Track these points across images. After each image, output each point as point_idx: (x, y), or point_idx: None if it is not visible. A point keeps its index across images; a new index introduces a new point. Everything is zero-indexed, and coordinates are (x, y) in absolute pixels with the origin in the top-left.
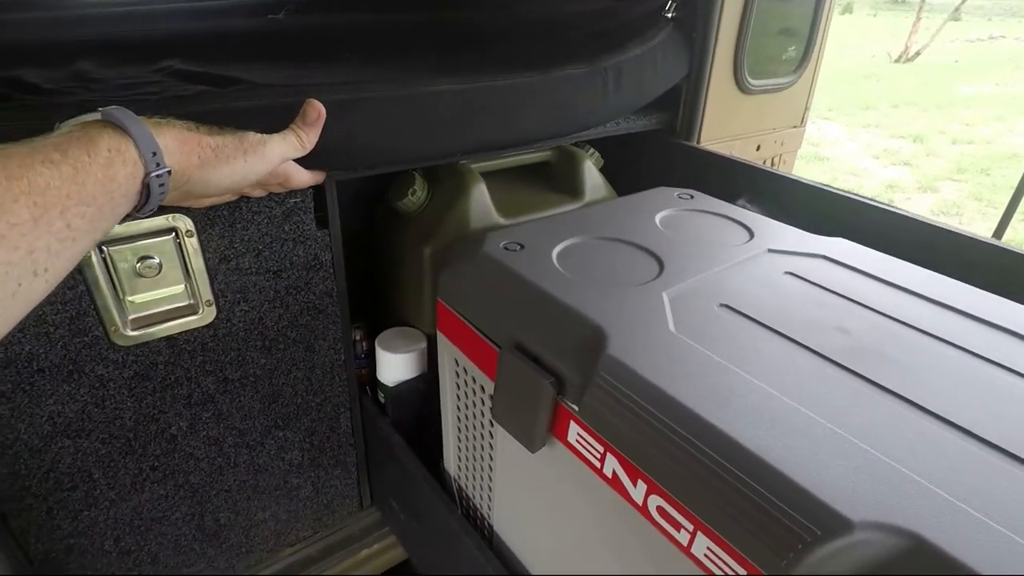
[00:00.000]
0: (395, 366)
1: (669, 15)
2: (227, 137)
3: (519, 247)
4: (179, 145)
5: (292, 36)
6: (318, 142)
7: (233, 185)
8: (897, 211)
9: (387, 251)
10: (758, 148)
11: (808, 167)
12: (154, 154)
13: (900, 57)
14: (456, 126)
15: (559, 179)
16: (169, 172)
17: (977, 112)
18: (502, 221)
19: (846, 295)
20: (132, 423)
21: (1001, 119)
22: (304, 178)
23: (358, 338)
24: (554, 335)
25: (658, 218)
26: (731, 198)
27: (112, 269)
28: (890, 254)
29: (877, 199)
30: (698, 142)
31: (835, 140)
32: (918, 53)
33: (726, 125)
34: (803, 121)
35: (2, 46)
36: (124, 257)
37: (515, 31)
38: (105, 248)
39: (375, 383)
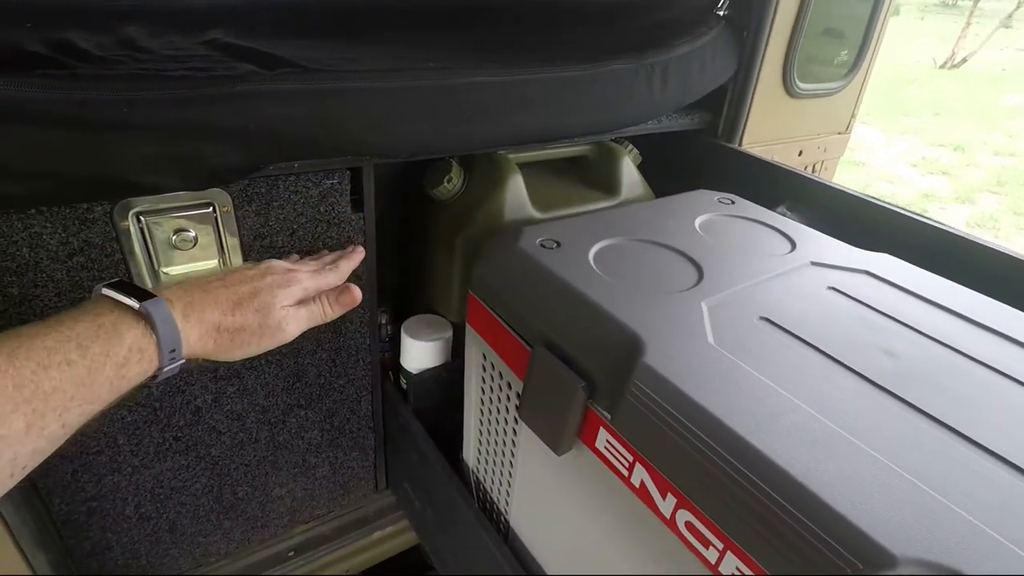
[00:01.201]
0: (419, 353)
1: (721, 12)
2: (248, 317)
3: (555, 245)
4: (200, 335)
5: (336, 11)
6: (360, 129)
7: (244, 357)
8: (940, 226)
9: (419, 237)
10: (800, 153)
11: (842, 172)
12: (173, 351)
13: (946, 63)
14: (498, 117)
15: (596, 174)
16: (183, 361)
17: (1022, 123)
18: (537, 214)
19: (891, 315)
20: (159, 393)
21: None
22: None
23: (384, 322)
24: (589, 339)
25: (698, 222)
26: (772, 204)
27: (149, 239)
28: (933, 270)
29: (923, 214)
30: (740, 144)
31: (872, 145)
32: (965, 60)
33: (770, 128)
34: (848, 128)
35: (45, 4)
36: (161, 228)
37: (562, 16)
38: (143, 218)
39: (398, 369)
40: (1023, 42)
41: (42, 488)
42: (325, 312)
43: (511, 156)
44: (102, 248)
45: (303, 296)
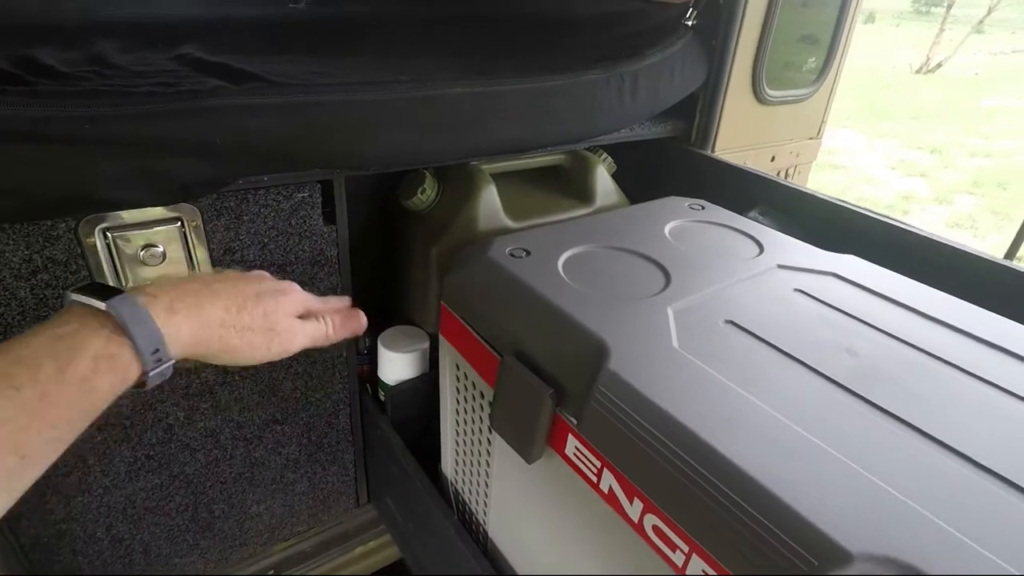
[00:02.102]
0: (397, 365)
1: (689, 23)
2: (256, 319)
3: (525, 254)
4: (196, 331)
5: (310, 26)
6: (331, 141)
7: (250, 363)
8: (910, 228)
9: (394, 248)
10: (772, 159)
11: (823, 175)
12: (156, 351)
13: (921, 68)
14: (472, 128)
15: (571, 183)
16: (173, 361)
17: (997, 125)
18: (511, 224)
19: (855, 315)
20: (129, 411)
21: (1022, 133)
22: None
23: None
24: (556, 346)
25: (667, 229)
26: (744, 209)
27: (116, 255)
28: (903, 272)
29: (889, 215)
30: (712, 151)
31: (851, 149)
32: (940, 65)
33: (741, 135)
34: (820, 132)
35: (18, 23)
36: (128, 244)
37: (534, 26)
38: (110, 234)
39: (376, 380)
40: (996, 47)
41: (8, 511)
42: (328, 333)
43: (484, 167)
44: (67, 265)
45: (304, 311)
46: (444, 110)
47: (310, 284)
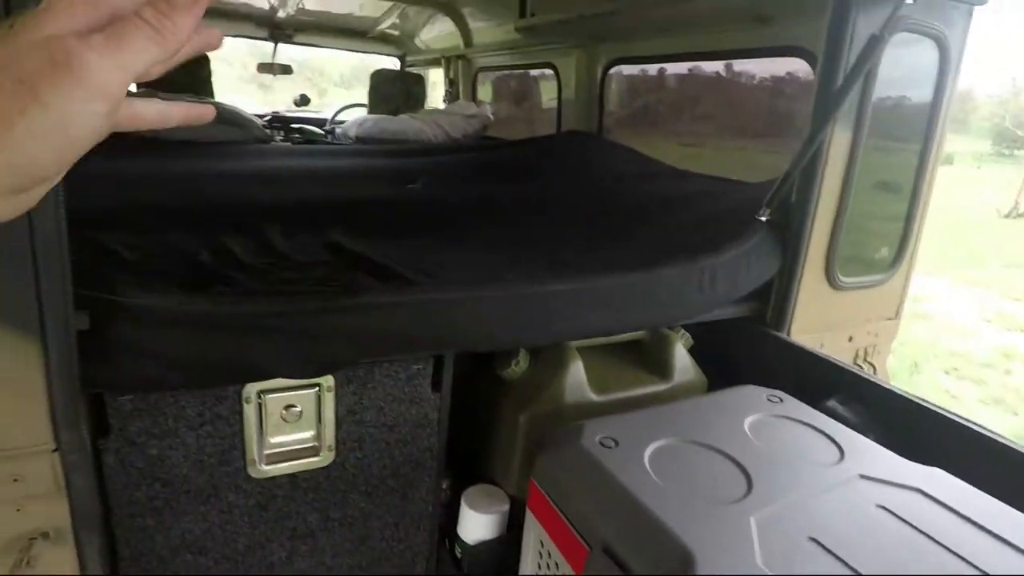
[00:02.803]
0: (477, 524)
1: (764, 218)
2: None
3: (614, 443)
4: None
5: (425, 206)
6: (449, 330)
7: (46, 143)
8: (1005, 442)
9: (484, 411)
10: (850, 339)
11: (908, 325)
12: None
13: (1010, 212)
14: (565, 318)
15: (650, 358)
16: None
17: None
18: (595, 397)
19: (943, 542)
20: (243, 548)
21: None
22: (152, 116)
23: (445, 487)
24: (644, 547)
25: (747, 423)
26: (821, 396)
27: (264, 414)
28: (995, 492)
29: (979, 424)
30: (788, 333)
31: (937, 296)
32: None
33: (817, 317)
34: (898, 313)
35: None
36: (275, 404)
37: (628, 211)
38: (262, 395)
39: (453, 535)
40: None
41: None
42: (161, 26)
43: (573, 343)
44: (226, 419)
45: (93, 21)
46: (542, 304)
47: (411, 444)
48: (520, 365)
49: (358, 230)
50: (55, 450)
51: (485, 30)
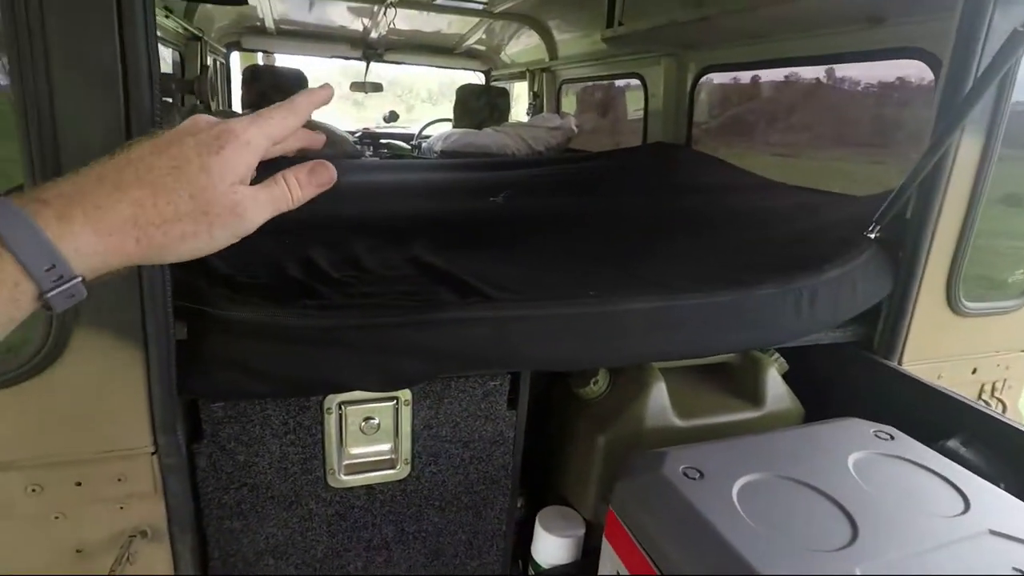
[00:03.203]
0: (553, 548)
1: (872, 236)
2: (181, 204)
3: (699, 475)
4: (102, 240)
5: (507, 220)
6: (528, 348)
7: (197, 255)
8: None
9: (561, 430)
10: (974, 371)
11: None
12: (51, 267)
13: None
14: (646, 338)
15: (740, 383)
16: (81, 279)
17: None
18: (678, 422)
19: None
20: (321, 555)
21: None
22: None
23: (520, 505)
24: None
25: (851, 461)
26: (938, 436)
27: (344, 425)
28: None
29: None
30: (900, 362)
31: None
32: None
33: (934, 345)
34: None
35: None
36: (355, 416)
37: (717, 226)
38: (343, 407)
39: (527, 555)
40: None
41: None
42: (293, 195)
43: (655, 364)
44: (308, 429)
45: (250, 171)
46: (622, 323)
47: (486, 460)
48: (599, 384)
49: (440, 244)
50: (154, 453)
51: (570, 42)
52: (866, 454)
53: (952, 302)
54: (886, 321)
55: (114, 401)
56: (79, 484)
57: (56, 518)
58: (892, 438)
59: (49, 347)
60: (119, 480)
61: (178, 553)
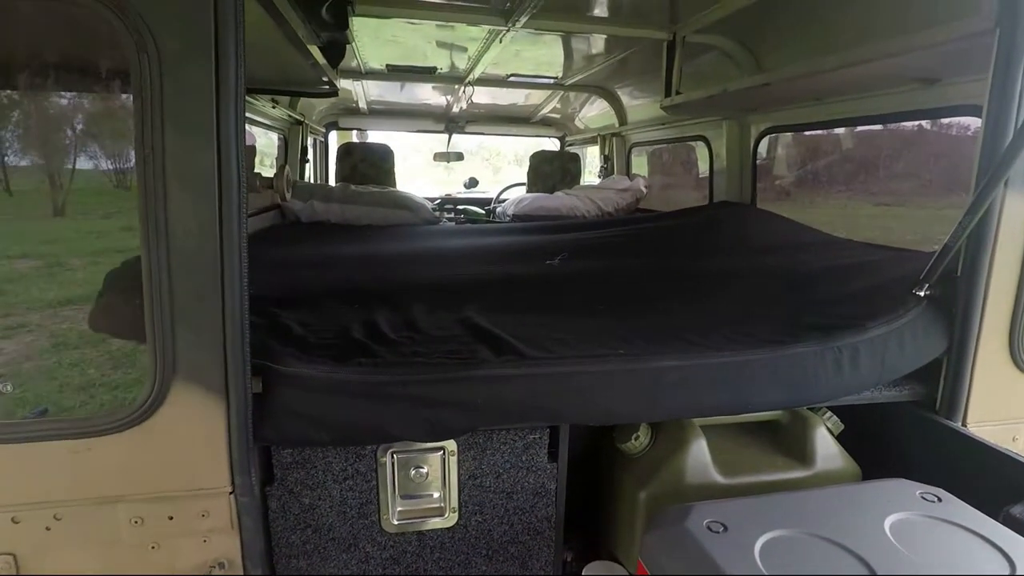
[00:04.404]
0: None
1: (922, 294)
2: None
3: (723, 528)
4: None
5: (560, 282)
6: (562, 403)
7: None
8: None
9: (605, 485)
10: None
11: None
12: None
13: None
14: (677, 395)
15: (788, 441)
16: None
17: None
18: (720, 479)
19: None
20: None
21: None
22: None
23: (568, 559)
24: None
25: (889, 523)
26: (1000, 504)
27: (396, 472)
28: None
29: None
30: (964, 423)
31: None
32: None
33: (1005, 406)
34: None
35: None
36: (406, 464)
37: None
38: (395, 456)
39: None
40: None
41: None
42: None
43: (697, 420)
44: (365, 475)
45: None
46: (653, 381)
47: (529, 512)
48: (640, 440)
49: (492, 306)
50: (231, 492)
51: (638, 108)
52: (908, 515)
53: (1018, 360)
54: (946, 380)
55: (202, 445)
56: (171, 518)
57: (152, 548)
58: (939, 500)
59: (153, 398)
60: (203, 515)
61: None
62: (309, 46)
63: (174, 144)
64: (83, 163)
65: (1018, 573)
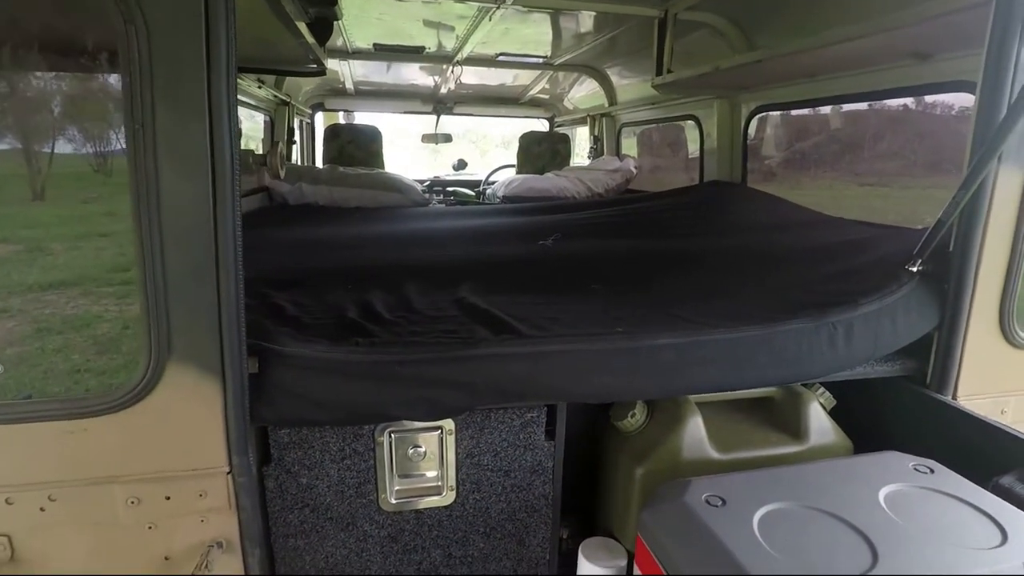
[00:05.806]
0: None
1: (914, 269)
2: None
3: (721, 502)
4: None
5: (552, 262)
6: (560, 381)
7: None
8: None
9: (602, 463)
10: None
11: None
12: None
13: None
14: (674, 373)
15: (782, 417)
16: None
17: None
18: (716, 455)
19: None
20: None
21: None
22: None
23: (564, 536)
24: None
25: (883, 494)
26: (990, 475)
27: (393, 451)
28: None
29: None
30: (954, 396)
31: None
32: None
33: (994, 379)
34: None
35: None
36: (404, 443)
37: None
38: (393, 435)
39: None
40: None
41: None
42: None
43: (692, 397)
44: (362, 455)
45: None
46: (649, 358)
47: (527, 490)
48: (637, 418)
49: (486, 286)
50: (229, 472)
51: (628, 87)
52: (901, 487)
53: (1008, 334)
54: (938, 355)
55: (198, 426)
56: (168, 498)
57: (149, 528)
58: (932, 472)
59: (147, 379)
60: (200, 495)
61: (249, 566)
62: (297, 22)
63: (164, 119)
64: (62, 147)
65: (1009, 540)
